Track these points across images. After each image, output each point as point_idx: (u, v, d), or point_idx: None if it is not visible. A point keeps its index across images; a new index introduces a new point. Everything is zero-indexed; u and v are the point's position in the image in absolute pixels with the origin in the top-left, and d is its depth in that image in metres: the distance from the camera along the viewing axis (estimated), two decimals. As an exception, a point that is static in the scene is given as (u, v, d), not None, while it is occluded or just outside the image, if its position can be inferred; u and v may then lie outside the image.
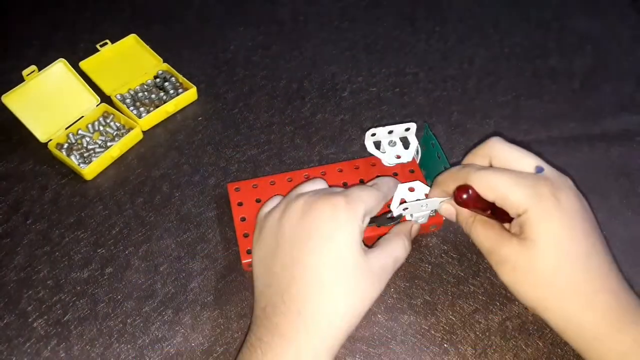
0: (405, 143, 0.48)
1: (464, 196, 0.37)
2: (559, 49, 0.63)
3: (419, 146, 0.48)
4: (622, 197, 0.50)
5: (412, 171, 0.48)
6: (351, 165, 0.48)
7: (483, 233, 0.39)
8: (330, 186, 0.42)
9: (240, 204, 0.45)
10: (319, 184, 0.42)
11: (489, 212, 0.38)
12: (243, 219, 0.45)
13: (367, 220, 0.38)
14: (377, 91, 0.58)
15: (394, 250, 0.39)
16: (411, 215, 0.43)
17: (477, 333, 0.42)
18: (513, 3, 0.68)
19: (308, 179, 0.47)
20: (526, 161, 0.38)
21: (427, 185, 0.45)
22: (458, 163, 0.52)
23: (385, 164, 0.47)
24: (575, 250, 0.35)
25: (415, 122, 0.47)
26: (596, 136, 0.55)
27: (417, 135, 0.48)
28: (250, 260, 0.42)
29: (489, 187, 0.37)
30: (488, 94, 0.59)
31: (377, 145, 0.48)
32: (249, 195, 0.46)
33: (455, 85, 0.59)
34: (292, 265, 0.36)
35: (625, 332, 0.34)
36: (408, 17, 0.66)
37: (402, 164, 0.48)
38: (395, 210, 0.42)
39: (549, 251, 0.35)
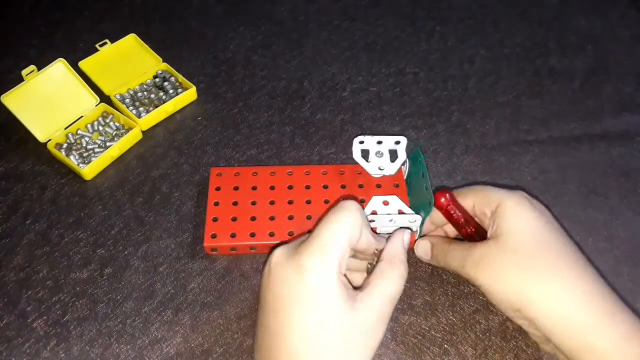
0: (394, 156, 0.46)
1: (447, 195, 0.40)
2: (560, 49, 0.63)
3: (407, 161, 0.46)
4: (622, 197, 0.50)
5: (396, 185, 0.46)
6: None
7: (458, 251, 0.39)
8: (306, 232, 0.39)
9: (218, 189, 0.46)
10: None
11: (462, 221, 0.40)
12: (216, 204, 0.45)
13: (347, 257, 0.34)
14: (377, 91, 0.58)
15: (388, 286, 0.34)
16: (376, 228, 0.42)
17: (478, 333, 0.42)
18: (513, 3, 0.68)
19: (291, 175, 0.46)
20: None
21: (407, 201, 0.44)
22: (457, 164, 0.52)
23: (370, 173, 0.46)
24: (554, 238, 0.36)
25: (406, 137, 0.45)
26: (597, 136, 0.55)
27: (407, 150, 0.46)
28: (212, 243, 0.43)
29: (469, 189, 0.41)
30: (488, 93, 0.59)
31: (367, 152, 0.46)
32: (229, 181, 0.46)
33: (456, 85, 0.59)
34: (278, 336, 0.32)
35: (614, 322, 0.34)
36: (408, 17, 0.66)
37: (388, 176, 0.46)
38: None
39: (525, 236, 0.36)
